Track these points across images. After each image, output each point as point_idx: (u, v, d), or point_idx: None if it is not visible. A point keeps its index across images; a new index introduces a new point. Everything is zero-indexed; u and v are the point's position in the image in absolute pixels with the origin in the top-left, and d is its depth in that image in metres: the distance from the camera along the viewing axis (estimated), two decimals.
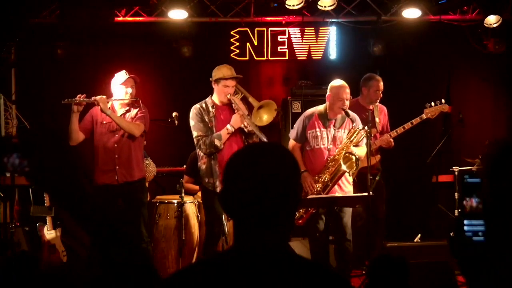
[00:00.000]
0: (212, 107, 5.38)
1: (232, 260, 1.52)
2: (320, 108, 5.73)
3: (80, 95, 5.46)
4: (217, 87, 5.36)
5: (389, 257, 3.46)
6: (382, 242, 5.91)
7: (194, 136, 5.33)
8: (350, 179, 5.70)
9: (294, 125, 5.80)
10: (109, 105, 5.54)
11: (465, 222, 1.63)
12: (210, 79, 5.39)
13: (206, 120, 5.34)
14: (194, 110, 5.39)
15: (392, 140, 6.13)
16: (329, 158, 5.53)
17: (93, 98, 5.45)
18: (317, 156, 5.57)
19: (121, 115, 5.57)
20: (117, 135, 5.53)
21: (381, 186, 6.31)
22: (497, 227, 1.61)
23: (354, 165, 5.38)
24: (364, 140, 5.62)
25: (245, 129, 5.31)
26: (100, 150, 5.53)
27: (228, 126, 5.26)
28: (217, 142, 5.23)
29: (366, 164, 5.59)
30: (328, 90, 5.66)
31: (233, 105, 5.33)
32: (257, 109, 5.29)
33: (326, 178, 5.48)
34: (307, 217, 5.54)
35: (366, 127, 5.45)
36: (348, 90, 5.56)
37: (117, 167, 5.49)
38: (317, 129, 5.61)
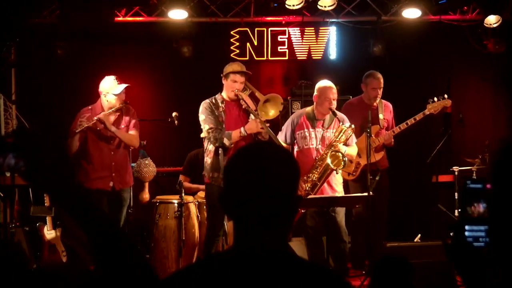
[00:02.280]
0: (222, 102, 5.38)
1: (231, 260, 1.52)
2: (308, 109, 5.75)
3: (85, 117, 5.50)
4: (226, 82, 5.37)
5: (392, 258, 3.46)
6: (382, 242, 5.91)
7: (205, 129, 5.30)
8: (341, 179, 5.70)
9: (283, 127, 5.82)
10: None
11: (466, 227, 1.62)
12: (221, 74, 5.40)
13: (216, 114, 5.34)
14: (204, 104, 5.38)
15: (392, 138, 6.13)
16: (317, 158, 5.54)
17: (95, 118, 5.47)
18: (306, 156, 5.57)
19: (114, 121, 5.60)
20: (113, 143, 5.61)
21: (384, 187, 6.30)
22: (502, 228, 1.61)
23: (342, 162, 5.38)
24: (353, 139, 5.64)
25: (259, 136, 5.28)
26: (95, 156, 5.59)
27: (242, 129, 5.24)
28: (226, 141, 5.21)
29: (366, 163, 5.61)
30: (315, 91, 5.68)
31: (240, 101, 5.33)
32: (263, 103, 5.28)
33: (315, 177, 5.48)
34: (297, 218, 5.54)
35: (352, 125, 5.46)
36: (335, 90, 5.58)
37: (113, 174, 5.61)
38: (305, 130, 5.63)
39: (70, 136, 5.51)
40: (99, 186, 5.54)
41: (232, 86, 5.32)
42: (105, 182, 5.57)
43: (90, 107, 5.65)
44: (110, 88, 5.55)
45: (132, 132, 5.70)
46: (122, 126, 5.66)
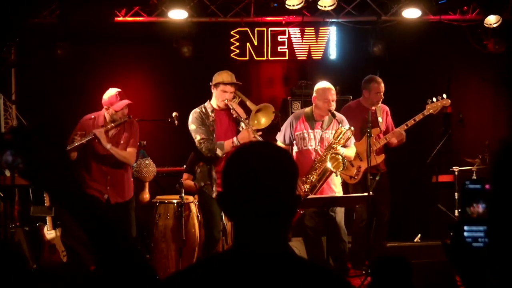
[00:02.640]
0: (212, 111, 5.38)
1: (232, 260, 1.52)
2: (307, 110, 5.76)
3: (78, 134, 5.41)
4: (216, 92, 5.37)
5: (391, 257, 3.46)
6: (382, 242, 5.92)
7: (197, 139, 5.31)
8: (339, 180, 5.70)
9: (282, 128, 5.82)
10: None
11: (465, 228, 1.62)
12: (210, 83, 5.39)
13: (207, 124, 5.34)
14: (194, 114, 5.38)
15: (403, 134, 6.13)
16: (316, 159, 5.54)
17: (92, 133, 5.40)
18: (305, 157, 5.58)
19: (113, 136, 5.55)
20: (110, 156, 5.51)
21: (385, 189, 6.30)
22: (502, 229, 1.61)
23: (341, 164, 5.38)
24: (352, 140, 5.64)
25: None
26: (91, 168, 5.53)
27: (235, 139, 5.25)
28: (218, 152, 5.24)
29: (367, 165, 5.61)
30: (314, 92, 5.68)
31: (231, 110, 5.33)
32: (255, 113, 5.30)
33: (314, 179, 5.48)
34: (296, 218, 5.54)
35: (352, 127, 5.46)
36: (333, 91, 5.58)
37: (108, 188, 5.54)
38: (304, 131, 5.64)
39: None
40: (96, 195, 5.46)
41: (222, 96, 5.32)
42: (100, 194, 5.49)
43: (93, 116, 5.58)
44: (111, 103, 5.49)
45: (130, 149, 5.60)
46: (122, 142, 5.58)
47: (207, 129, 5.32)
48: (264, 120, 5.32)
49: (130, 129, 5.64)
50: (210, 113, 5.37)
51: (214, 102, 5.40)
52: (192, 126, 5.35)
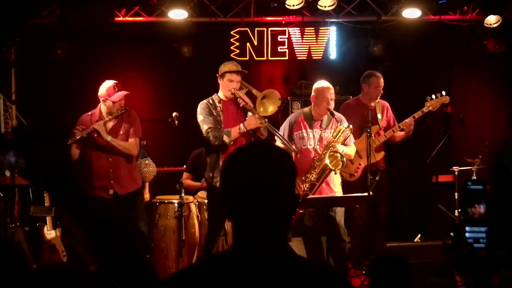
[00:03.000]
0: (219, 102, 5.37)
1: (232, 260, 1.52)
2: (306, 109, 5.76)
3: (78, 128, 5.38)
4: (222, 82, 5.36)
5: (390, 257, 3.46)
6: (382, 242, 5.92)
7: (204, 129, 5.28)
8: (339, 179, 5.70)
9: (280, 128, 5.81)
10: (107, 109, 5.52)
11: (467, 228, 1.62)
12: (217, 74, 5.39)
13: (214, 114, 5.33)
14: (201, 105, 5.37)
15: (412, 125, 6.13)
16: (315, 158, 5.54)
17: (91, 127, 5.37)
18: (304, 157, 5.57)
19: (112, 127, 5.52)
20: (111, 149, 5.48)
21: (384, 187, 6.31)
22: (502, 228, 1.61)
23: (340, 162, 5.37)
24: (352, 139, 5.64)
25: (258, 133, 5.27)
26: (93, 163, 5.49)
27: (241, 125, 5.22)
28: (225, 139, 5.21)
29: (367, 163, 5.61)
30: (312, 91, 5.68)
31: (238, 99, 5.32)
32: (261, 100, 5.27)
33: (313, 178, 5.47)
34: (295, 218, 5.54)
35: (350, 126, 5.46)
36: (332, 91, 5.59)
37: (112, 182, 5.49)
38: (303, 130, 5.63)
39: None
40: (101, 195, 5.43)
41: (229, 85, 5.31)
42: (103, 190, 5.47)
43: (90, 113, 5.54)
44: (109, 95, 5.44)
45: (131, 140, 5.56)
46: (121, 132, 5.54)
47: (215, 119, 5.30)
48: (271, 108, 5.28)
49: (128, 119, 5.59)
50: (217, 104, 5.36)
51: (221, 93, 5.40)
52: (199, 117, 5.33)
